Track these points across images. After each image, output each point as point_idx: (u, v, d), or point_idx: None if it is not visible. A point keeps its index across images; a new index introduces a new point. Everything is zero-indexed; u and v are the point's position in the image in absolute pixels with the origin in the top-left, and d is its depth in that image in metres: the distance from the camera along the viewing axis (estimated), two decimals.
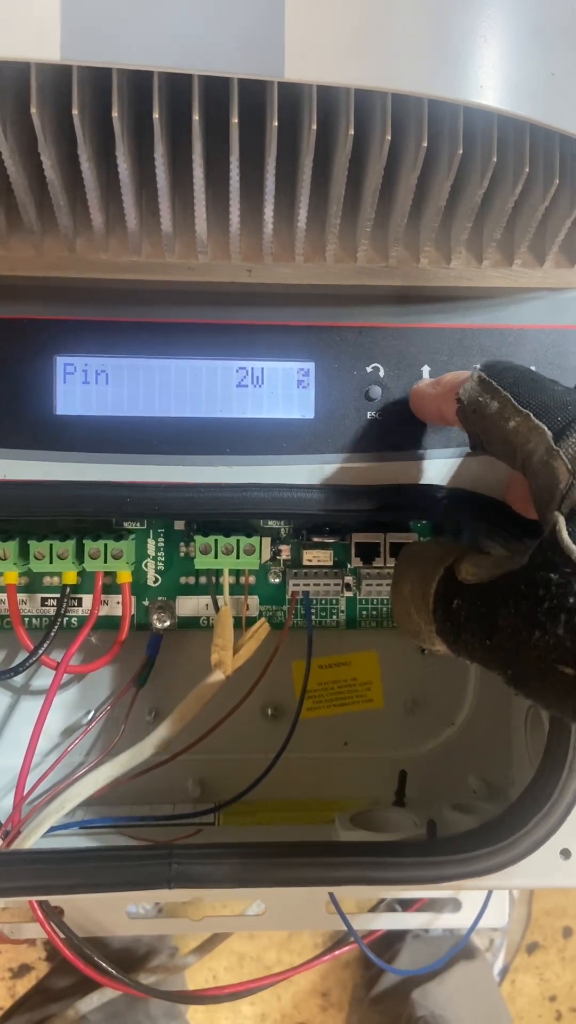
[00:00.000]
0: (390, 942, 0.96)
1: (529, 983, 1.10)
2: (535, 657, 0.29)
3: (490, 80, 0.31)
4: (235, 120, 0.32)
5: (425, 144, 0.33)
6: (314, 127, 0.32)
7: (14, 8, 0.29)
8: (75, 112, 0.31)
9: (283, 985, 1.08)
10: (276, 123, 0.32)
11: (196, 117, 0.31)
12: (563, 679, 0.29)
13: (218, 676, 0.48)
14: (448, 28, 0.30)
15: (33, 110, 0.31)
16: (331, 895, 0.47)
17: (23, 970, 1.06)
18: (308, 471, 0.42)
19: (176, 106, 0.34)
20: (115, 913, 0.56)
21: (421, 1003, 0.80)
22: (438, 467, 0.42)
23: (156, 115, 0.31)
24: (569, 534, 0.29)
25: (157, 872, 0.39)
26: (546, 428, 0.31)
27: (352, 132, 0.32)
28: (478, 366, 0.35)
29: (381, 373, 0.42)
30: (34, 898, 0.43)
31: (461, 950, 0.85)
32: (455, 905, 0.57)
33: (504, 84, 0.31)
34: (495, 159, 0.34)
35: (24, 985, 1.06)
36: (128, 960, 0.78)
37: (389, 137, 0.33)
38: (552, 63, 0.32)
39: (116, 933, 0.56)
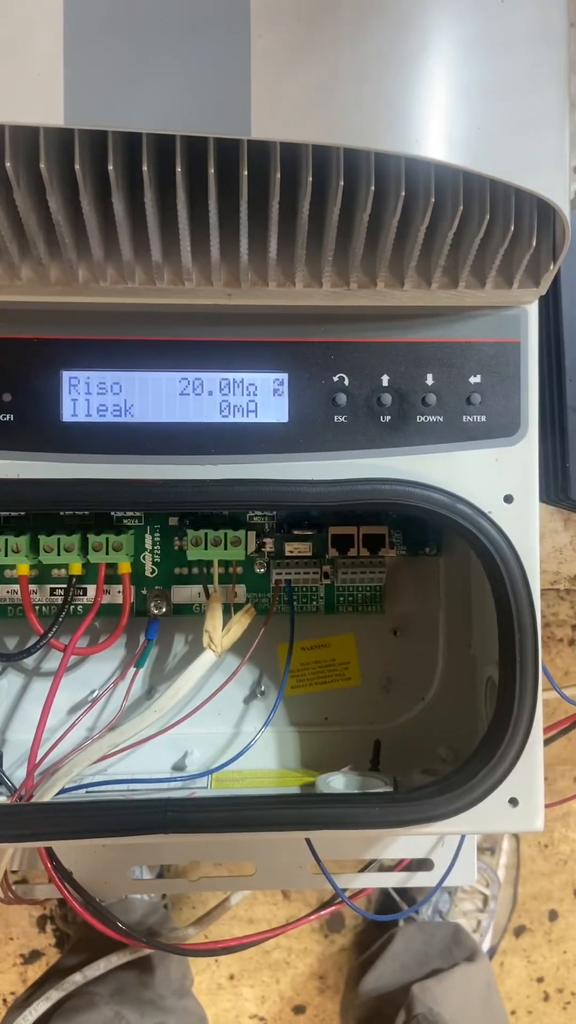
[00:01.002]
0: (384, 927, 1.00)
1: (517, 965, 1.15)
2: None
3: (425, 135, 0.37)
4: (212, 171, 0.38)
5: (373, 188, 0.39)
6: (278, 175, 0.38)
7: (26, 83, 0.35)
8: (77, 167, 0.37)
9: (282, 969, 1.13)
10: (246, 172, 0.38)
11: (179, 169, 0.37)
12: None
13: (209, 656, 0.53)
14: (388, 92, 0.36)
15: (42, 165, 0.37)
16: (309, 843, 0.53)
17: (34, 956, 1.10)
18: (283, 468, 0.47)
19: (163, 158, 0.40)
20: (119, 875, 0.61)
21: (420, 998, 0.82)
22: (396, 463, 0.47)
23: (145, 167, 0.37)
24: None
25: (155, 819, 0.45)
26: None
27: (311, 179, 0.38)
28: None
29: (346, 382, 0.47)
30: (45, 843, 0.48)
31: (463, 953, 0.88)
32: (428, 865, 0.62)
33: (437, 138, 0.37)
34: (434, 199, 0.40)
35: (35, 971, 1.10)
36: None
37: (342, 183, 0.39)
38: (478, 119, 0.38)
39: (120, 894, 0.62)
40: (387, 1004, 0.88)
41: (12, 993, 1.11)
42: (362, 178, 0.40)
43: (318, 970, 1.13)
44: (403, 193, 0.39)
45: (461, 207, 0.40)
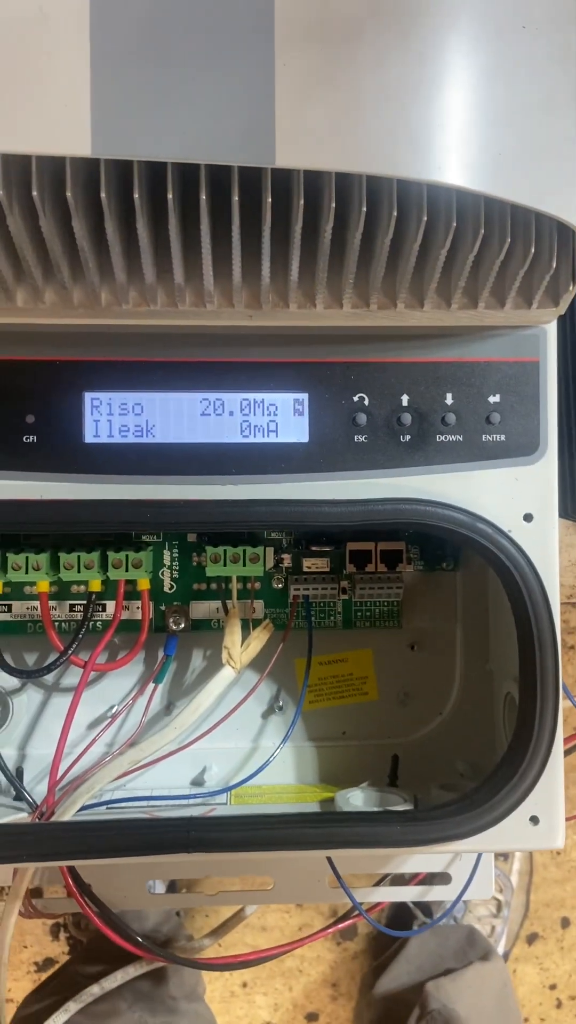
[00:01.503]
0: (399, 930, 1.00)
1: (530, 972, 1.15)
2: None
3: (447, 162, 0.37)
4: (236, 198, 0.38)
5: (395, 213, 0.39)
6: (302, 202, 0.38)
7: (53, 114, 0.35)
8: (103, 196, 0.37)
9: (294, 976, 1.13)
10: (270, 199, 0.38)
11: (203, 197, 0.38)
12: None
13: (228, 672, 0.54)
14: (410, 120, 0.36)
15: (68, 194, 0.37)
16: (329, 860, 0.53)
17: (47, 964, 1.10)
18: (304, 488, 0.47)
19: (187, 185, 0.40)
20: (137, 889, 0.62)
21: (434, 995, 0.83)
22: (416, 482, 0.47)
23: (170, 196, 0.38)
24: None
25: (178, 839, 0.45)
26: None
27: (334, 205, 0.39)
28: None
29: (366, 402, 0.47)
30: (69, 863, 0.49)
31: (478, 953, 0.89)
32: (445, 879, 0.62)
33: (459, 164, 0.37)
34: (455, 224, 0.40)
35: None
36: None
37: (364, 209, 0.39)
38: (499, 144, 0.38)
39: (138, 907, 0.62)
40: (401, 1004, 0.88)
41: None
42: (384, 203, 0.40)
43: (331, 978, 1.13)
44: (424, 218, 0.39)
45: (482, 231, 0.40)
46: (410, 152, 0.36)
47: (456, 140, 0.37)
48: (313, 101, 0.36)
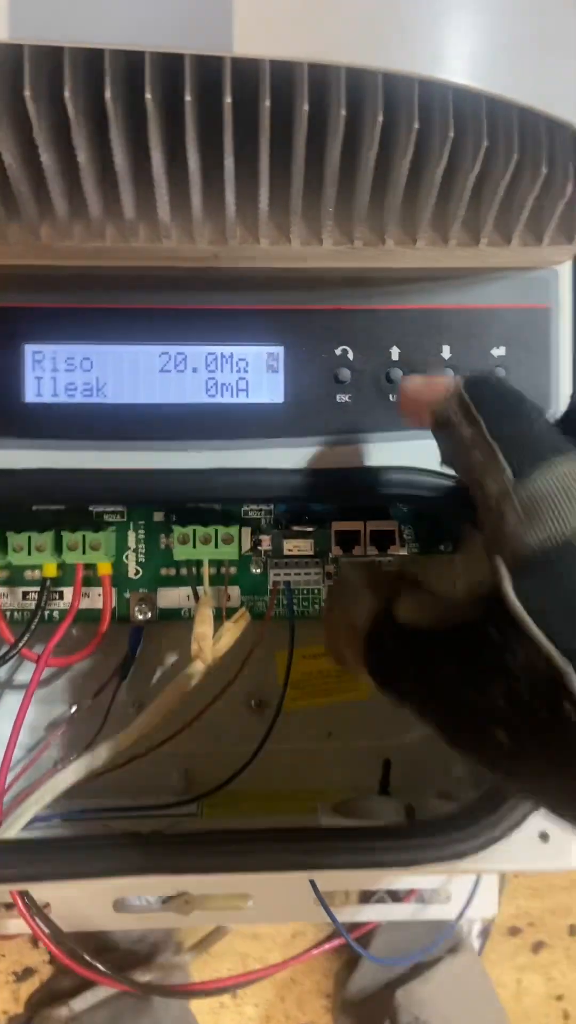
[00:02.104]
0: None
1: (536, 982, 1.10)
2: (470, 717, 0.29)
3: (444, 52, 0.31)
4: (189, 98, 0.32)
5: (381, 118, 0.33)
6: (268, 103, 0.32)
7: None
8: (27, 93, 0.31)
9: (287, 987, 1.08)
10: (230, 100, 0.32)
11: (149, 96, 0.31)
12: (496, 743, 0.28)
13: (198, 666, 0.48)
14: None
15: None
16: (312, 882, 0.47)
17: (27, 973, 1.05)
18: (278, 455, 0.42)
19: (133, 87, 0.34)
20: (101, 907, 0.56)
21: (405, 1006, 0.79)
22: (411, 448, 0.42)
23: (108, 95, 0.31)
24: (515, 589, 0.27)
25: (135, 859, 0.39)
26: (507, 467, 0.29)
27: (307, 108, 0.32)
28: (462, 379, 0.33)
29: (350, 356, 0.42)
30: (10, 887, 0.43)
31: (445, 944, 0.84)
32: (445, 897, 0.57)
33: (457, 56, 0.31)
34: (452, 133, 0.34)
35: (28, 988, 1.05)
36: (132, 958, 0.77)
37: (344, 112, 0.33)
38: (504, 35, 0.32)
39: (103, 927, 0.56)
40: (373, 1011, 0.85)
41: (4, 1012, 1.06)
42: (367, 107, 0.34)
43: (325, 988, 1.08)
44: (416, 126, 0.33)
45: (485, 142, 0.34)
46: (397, 39, 0.30)
47: (454, 28, 0.31)
48: None
